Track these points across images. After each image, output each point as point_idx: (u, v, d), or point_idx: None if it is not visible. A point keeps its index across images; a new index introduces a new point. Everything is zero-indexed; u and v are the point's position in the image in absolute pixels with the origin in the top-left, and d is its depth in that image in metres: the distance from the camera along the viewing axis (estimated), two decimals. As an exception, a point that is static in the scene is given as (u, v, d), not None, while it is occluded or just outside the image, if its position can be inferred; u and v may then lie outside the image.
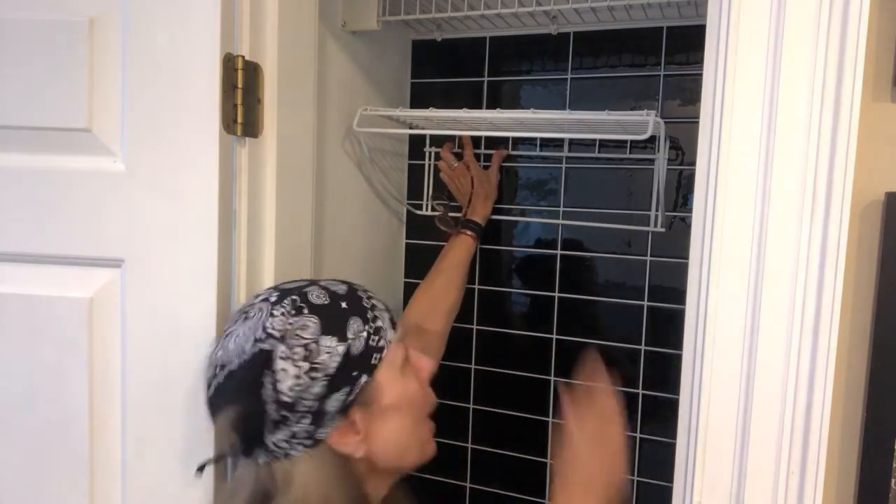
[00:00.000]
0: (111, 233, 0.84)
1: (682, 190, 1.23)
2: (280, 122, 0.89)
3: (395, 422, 0.77)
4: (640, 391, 1.29)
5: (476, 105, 1.37)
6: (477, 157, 1.35)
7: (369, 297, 0.79)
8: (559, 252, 1.34)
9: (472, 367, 1.42)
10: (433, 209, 1.39)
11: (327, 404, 0.72)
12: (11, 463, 0.88)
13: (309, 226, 0.99)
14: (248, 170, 0.86)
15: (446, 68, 1.39)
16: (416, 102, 1.43)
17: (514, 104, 1.35)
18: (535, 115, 1.09)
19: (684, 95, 1.22)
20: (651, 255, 1.26)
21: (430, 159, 1.41)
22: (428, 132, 1.34)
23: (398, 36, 1.38)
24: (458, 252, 1.24)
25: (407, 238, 1.47)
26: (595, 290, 1.32)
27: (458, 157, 1.34)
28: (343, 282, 0.80)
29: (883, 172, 0.66)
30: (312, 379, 0.71)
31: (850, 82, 0.63)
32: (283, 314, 0.72)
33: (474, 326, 1.41)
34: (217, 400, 0.74)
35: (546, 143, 1.33)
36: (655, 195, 1.21)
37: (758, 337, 0.67)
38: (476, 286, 1.40)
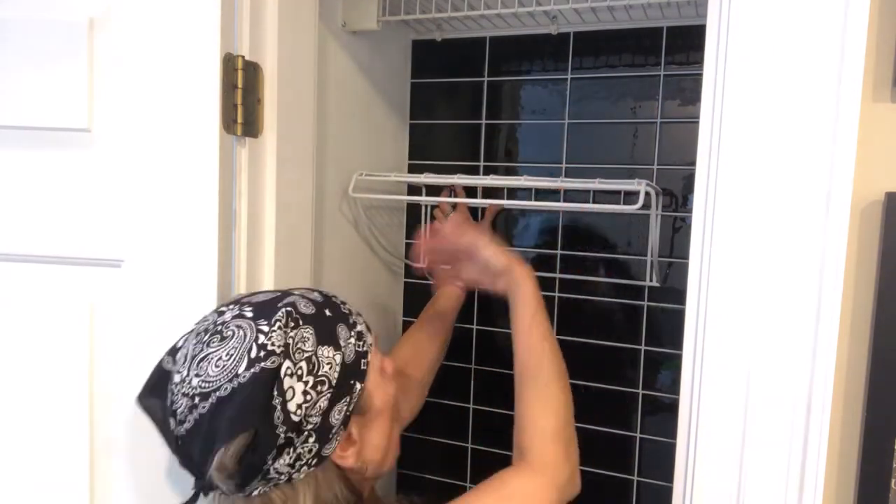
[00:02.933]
0: (111, 233, 0.84)
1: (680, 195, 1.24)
2: (280, 122, 0.89)
3: (382, 426, 0.78)
4: (640, 391, 1.29)
5: (476, 105, 1.38)
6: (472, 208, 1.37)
7: (343, 303, 0.78)
8: (559, 252, 1.34)
9: (472, 367, 1.42)
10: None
11: (331, 418, 0.68)
12: (11, 463, 0.88)
13: (309, 226, 0.99)
14: (248, 170, 0.86)
15: (446, 68, 1.39)
16: (417, 102, 1.43)
17: (514, 104, 1.35)
18: (529, 182, 1.16)
19: (684, 95, 1.22)
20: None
21: (425, 213, 1.41)
22: (424, 199, 1.36)
23: (398, 36, 1.38)
24: (446, 302, 1.25)
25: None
26: (595, 289, 1.32)
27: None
28: (313, 289, 0.78)
29: (883, 172, 0.66)
30: (318, 393, 0.67)
31: (850, 82, 0.63)
32: (280, 328, 0.67)
33: (474, 326, 1.41)
34: (200, 435, 0.65)
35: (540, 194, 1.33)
36: (650, 251, 1.22)
37: (758, 336, 0.67)
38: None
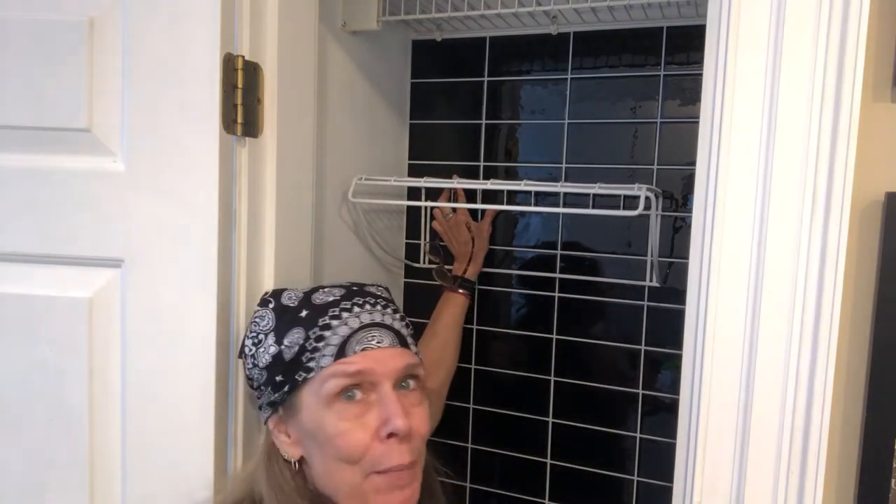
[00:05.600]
0: (111, 233, 0.84)
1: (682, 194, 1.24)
2: (280, 122, 0.89)
3: (318, 451, 0.75)
4: (640, 391, 1.29)
5: (476, 105, 1.38)
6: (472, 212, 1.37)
7: (339, 317, 0.76)
8: (559, 252, 1.34)
9: (472, 367, 1.42)
10: (429, 262, 1.41)
11: (265, 390, 0.78)
12: (12, 462, 0.88)
13: (309, 226, 0.99)
14: (248, 170, 0.86)
15: (446, 68, 1.39)
16: (417, 102, 1.43)
17: (514, 104, 1.35)
18: (529, 187, 1.18)
19: (684, 95, 1.22)
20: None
21: (425, 214, 1.42)
22: (423, 204, 1.35)
23: (398, 36, 1.38)
24: (453, 311, 1.26)
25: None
26: (595, 289, 1.32)
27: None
28: (344, 290, 0.80)
29: (883, 172, 0.66)
30: (254, 364, 0.79)
31: (850, 82, 0.63)
32: (257, 303, 0.82)
33: (474, 327, 1.41)
34: None
35: (540, 195, 1.34)
36: (650, 252, 1.22)
37: (758, 337, 0.67)
38: (476, 286, 1.40)
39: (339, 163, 1.20)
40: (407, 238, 1.46)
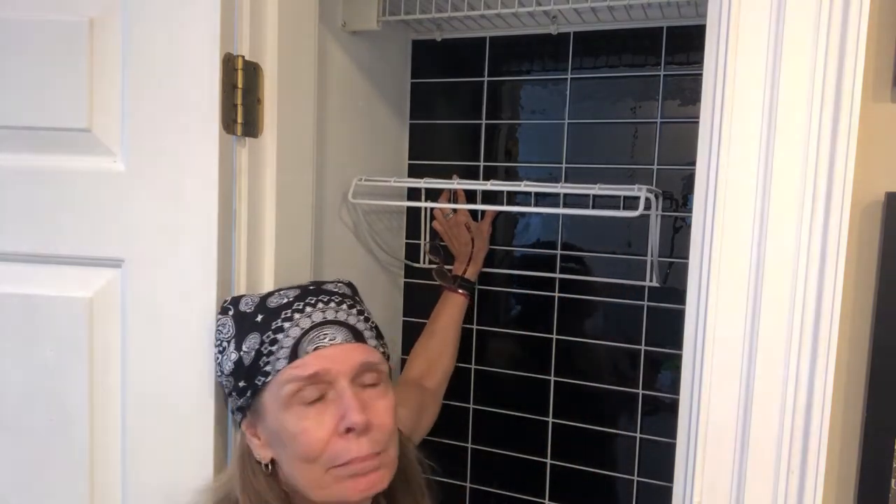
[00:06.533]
0: (111, 233, 0.84)
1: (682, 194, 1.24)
2: (280, 122, 0.88)
3: (283, 451, 0.76)
4: (640, 391, 1.29)
5: (476, 105, 1.38)
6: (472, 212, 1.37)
7: (291, 319, 0.76)
8: (559, 252, 1.34)
9: (472, 367, 1.42)
10: (429, 262, 1.41)
11: (233, 396, 0.79)
12: (11, 463, 0.88)
13: (309, 226, 0.99)
14: (248, 170, 0.86)
15: (446, 68, 1.40)
16: (417, 102, 1.43)
17: (514, 104, 1.35)
18: (529, 188, 1.19)
19: (684, 95, 1.22)
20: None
21: (425, 214, 1.43)
22: (424, 205, 1.36)
23: (398, 36, 1.38)
24: (452, 311, 1.27)
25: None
26: (595, 289, 1.32)
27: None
28: (300, 290, 0.80)
29: (883, 172, 0.66)
30: (220, 373, 0.80)
31: (850, 82, 0.63)
32: (221, 309, 0.82)
33: (474, 326, 1.41)
34: None
35: (540, 195, 1.34)
36: (650, 252, 1.22)
37: (758, 337, 0.67)
38: (475, 286, 1.40)
39: (339, 163, 1.20)
40: (407, 238, 1.46)
